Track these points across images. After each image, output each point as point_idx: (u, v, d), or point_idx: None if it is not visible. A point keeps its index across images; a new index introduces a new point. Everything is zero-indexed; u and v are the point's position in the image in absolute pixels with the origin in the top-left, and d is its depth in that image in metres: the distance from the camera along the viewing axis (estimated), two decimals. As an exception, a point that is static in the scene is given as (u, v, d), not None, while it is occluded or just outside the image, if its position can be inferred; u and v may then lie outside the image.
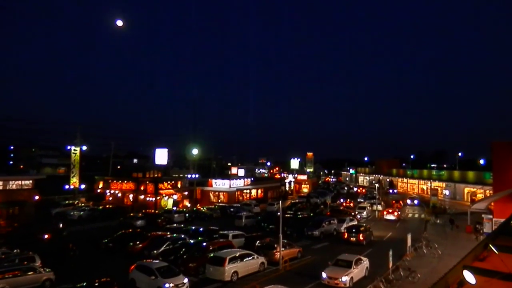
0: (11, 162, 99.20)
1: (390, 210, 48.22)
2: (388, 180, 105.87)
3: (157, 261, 22.15)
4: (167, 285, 18.92)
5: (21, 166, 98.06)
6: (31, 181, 41.56)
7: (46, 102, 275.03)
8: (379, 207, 52.03)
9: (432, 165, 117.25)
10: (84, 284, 17.70)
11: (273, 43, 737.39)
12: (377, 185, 62.08)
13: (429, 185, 76.54)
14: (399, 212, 49.45)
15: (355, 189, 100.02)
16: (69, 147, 55.99)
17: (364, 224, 37.16)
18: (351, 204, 58.42)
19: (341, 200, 65.59)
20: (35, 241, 31.20)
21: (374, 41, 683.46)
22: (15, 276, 19.91)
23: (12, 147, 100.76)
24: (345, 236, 32.92)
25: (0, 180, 38.70)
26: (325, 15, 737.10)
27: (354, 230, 32.85)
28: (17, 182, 40.29)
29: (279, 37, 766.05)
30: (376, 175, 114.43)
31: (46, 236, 33.01)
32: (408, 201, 64.52)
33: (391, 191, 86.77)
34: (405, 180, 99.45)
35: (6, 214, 38.32)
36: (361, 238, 31.97)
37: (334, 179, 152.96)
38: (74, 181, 55.61)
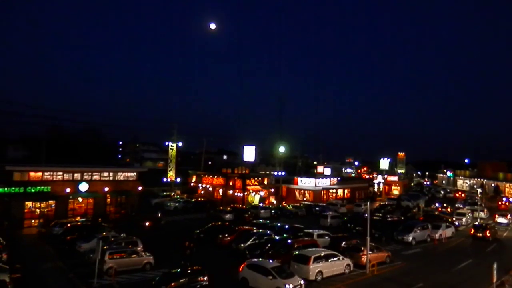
0: (120, 156, 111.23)
1: (503, 213, 47.57)
2: (493, 185, 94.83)
3: (269, 260, 21.51)
4: (287, 285, 18.51)
5: (127, 160, 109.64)
6: (135, 173, 46.02)
7: (149, 102, 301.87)
8: (482, 214, 47.21)
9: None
10: (179, 270, 19.24)
11: (361, 40, 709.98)
12: (479, 190, 56.30)
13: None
14: (510, 217, 46.65)
15: (452, 193, 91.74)
16: (167, 143, 61.34)
17: (490, 223, 39.58)
18: (448, 210, 54.10)
19: (437, 204, 60.80)
20: (138, 228, 34.85)
21: (472, 36, 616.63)
22: (121, 258, 22.46)
23: (120, 143, 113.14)
24: (472, 232, 36.40)
25: (111, 171, 43.56)
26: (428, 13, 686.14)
27: (480, 228, 36.28)
28: (124, 174, 44.95)
29: (370, 34, 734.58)
30: (479, 179, 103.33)
31: (147, 224, 36.66)
32: None
33: (504, 199, 76.69)
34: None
35: (115, 202, 43.18)
36: (488, 234, 35.16)
37: (429, 182, 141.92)
38: (171, 175, 60.58)
